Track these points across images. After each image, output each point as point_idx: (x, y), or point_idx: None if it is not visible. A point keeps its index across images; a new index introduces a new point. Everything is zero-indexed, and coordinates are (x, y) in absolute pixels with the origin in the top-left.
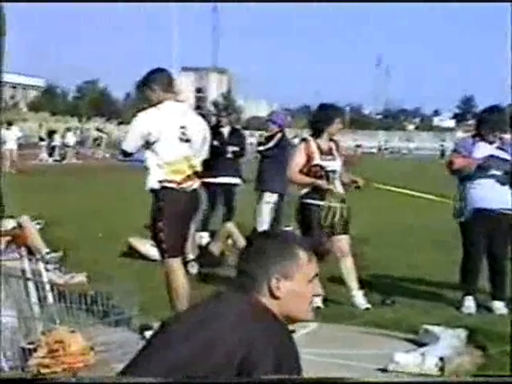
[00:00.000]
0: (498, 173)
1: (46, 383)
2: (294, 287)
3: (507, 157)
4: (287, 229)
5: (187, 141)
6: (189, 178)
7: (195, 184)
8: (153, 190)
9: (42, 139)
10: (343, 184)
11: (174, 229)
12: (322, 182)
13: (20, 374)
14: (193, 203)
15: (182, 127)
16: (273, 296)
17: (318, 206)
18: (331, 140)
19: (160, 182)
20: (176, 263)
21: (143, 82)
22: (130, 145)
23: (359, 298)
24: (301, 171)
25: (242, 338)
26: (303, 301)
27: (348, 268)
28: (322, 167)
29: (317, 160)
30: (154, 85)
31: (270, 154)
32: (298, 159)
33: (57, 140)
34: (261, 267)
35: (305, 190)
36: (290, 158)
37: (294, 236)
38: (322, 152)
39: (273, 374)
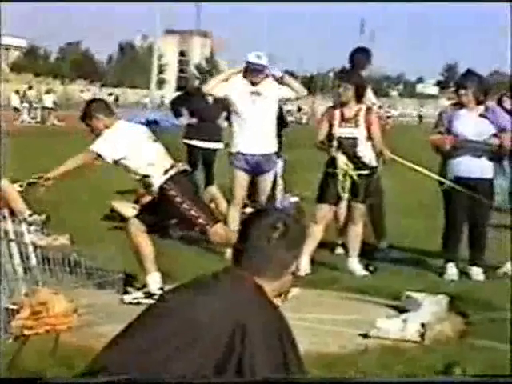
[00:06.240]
0: (475, 151)
1: (46, 383)
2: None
3: (488, 126)
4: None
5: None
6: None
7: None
8: (161, 187)
9: (22, 101)
10: (377, 153)
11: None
12: (326, 148)
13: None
14: None
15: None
16: (286, 271)
17: (331, 173)
18: (368, 107)
19: (166, 171)
20: None
21: (85, 115)
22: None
23: (355, 264)
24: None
25: (239, 320)
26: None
27: (354, 235)
28: (332, 135)
29: (334, 128)
30: (97, 114)
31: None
32: (320, 127)
33: (35, 102)
34: (272, 245)
35: (326, 158)
36: None
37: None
38: (343, 119)
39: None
